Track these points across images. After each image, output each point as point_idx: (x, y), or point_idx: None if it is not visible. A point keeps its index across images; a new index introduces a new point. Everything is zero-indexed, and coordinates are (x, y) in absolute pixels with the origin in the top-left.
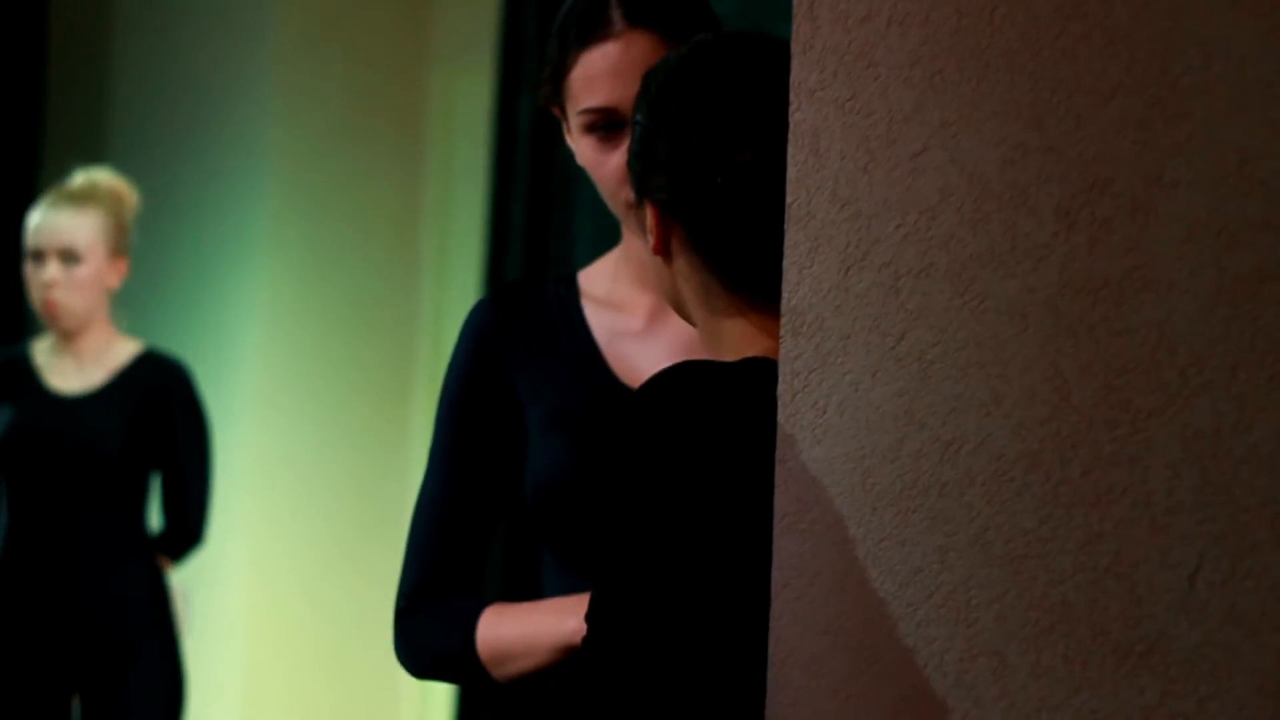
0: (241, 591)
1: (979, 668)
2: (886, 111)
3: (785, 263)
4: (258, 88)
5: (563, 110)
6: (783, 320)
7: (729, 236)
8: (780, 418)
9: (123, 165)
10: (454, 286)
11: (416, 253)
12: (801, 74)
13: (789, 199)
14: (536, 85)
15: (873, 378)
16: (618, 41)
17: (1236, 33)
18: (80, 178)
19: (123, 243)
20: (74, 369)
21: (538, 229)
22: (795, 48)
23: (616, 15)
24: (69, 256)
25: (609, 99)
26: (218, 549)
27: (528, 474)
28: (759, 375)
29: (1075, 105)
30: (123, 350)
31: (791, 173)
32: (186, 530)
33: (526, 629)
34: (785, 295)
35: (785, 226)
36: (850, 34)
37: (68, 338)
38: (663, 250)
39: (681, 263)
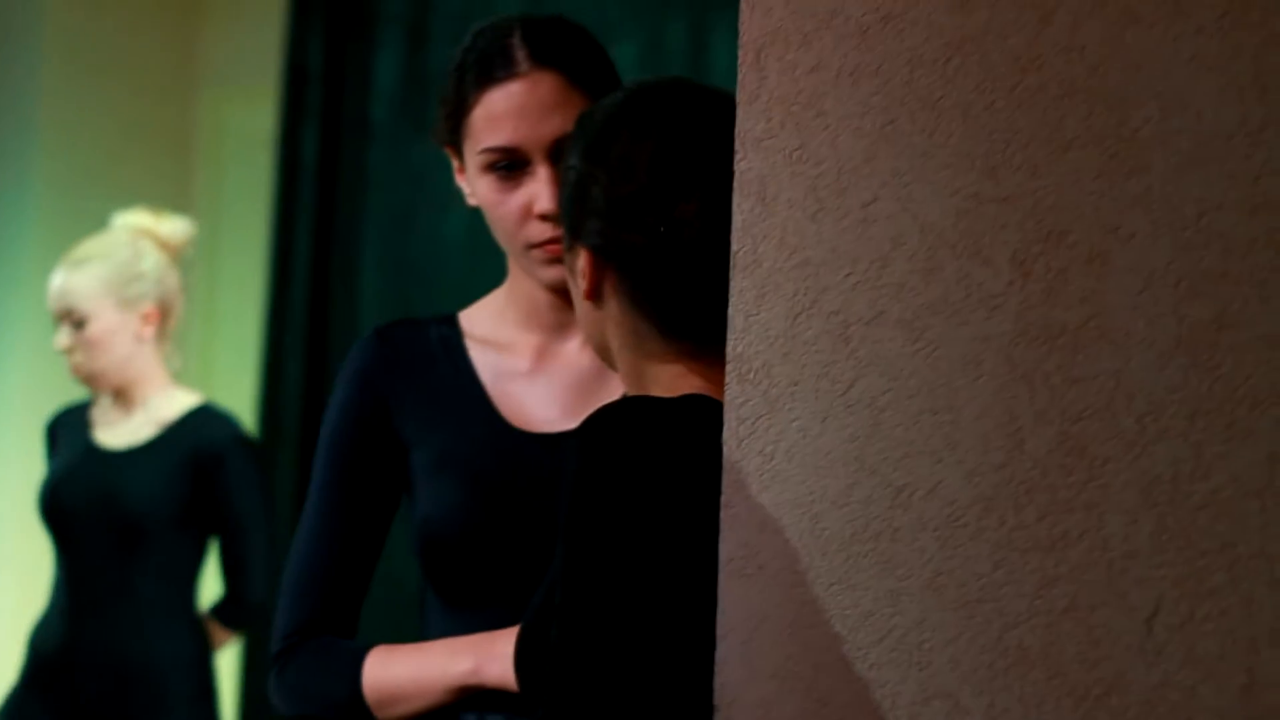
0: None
1: (932, 710)
2: (836, 161)
3: (731, 309)
4: (27, 116)
5: (458, 150)
6: (728, 366)
7: (666, 284)
8: (726, 463)
9: None
10: (224, 310)
11: (185, 279)
12: (747, 124)
13: (735, 246)
14: (320, 116)
15: (822, 424)
16: (523, 81)
17: (1194, 87)
18: (91, 241)
19: (139, 292)
20: (123, 423)
21: (322, 259)
22: (741, 97)
23: (521, 55)
24: (75, 319)
25: (512, 138)
26: None
27: (415, 516)
28: (701, 410)
29: (1031, 156)
30: (176, 403)
31: (737, 220)
32: (244, 599)
33: (418, 670)
34: (731, 342)
35: (731, 274)
36: (798, 84)
37: (117, 393)
38: (593, 295)
39: (613, 306)
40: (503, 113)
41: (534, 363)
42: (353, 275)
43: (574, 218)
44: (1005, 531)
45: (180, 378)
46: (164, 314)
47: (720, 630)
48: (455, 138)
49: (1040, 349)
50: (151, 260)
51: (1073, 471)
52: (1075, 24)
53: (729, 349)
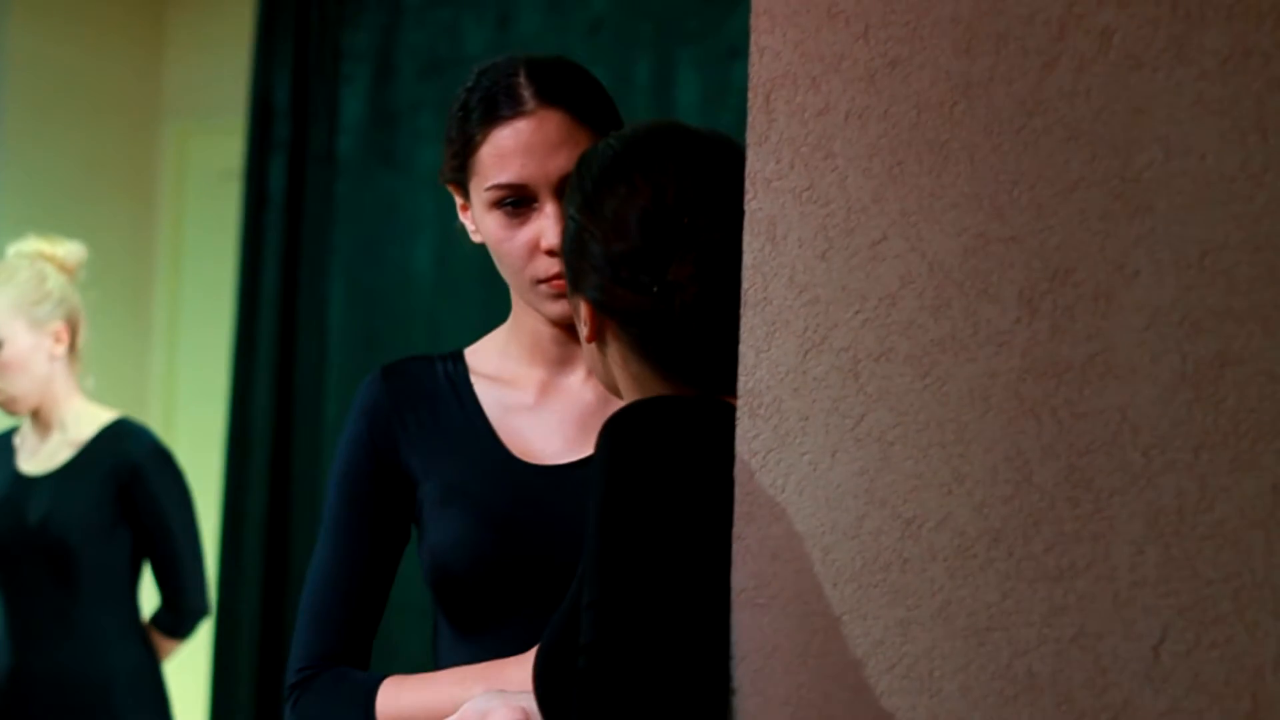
0: None
1: None
2: (845, 201)
3: (741, 346)
4: None
5: (462, 187)
6: (739, 401)
7: (666, 341)
8: (737, 495)
9: None
10: (189, 344)
11: (148, 311)
12: (757, 164)
13: (745, 285)
14: (289, 147)
15: (832, 457)
16: (530, 119)
17: (1197, 131)
18: None
19: (47, 311)
20: (42, 447)
21: (289, 291)
22: (751, 139)
23: (528, 94)
24: None
25: (519, 175)
26: None
27: (423, 548)
28: (719, 409)
29: (1037, 197)
30: (91, 422)
31: (748, 259)
32: (187, 605)
33: (429, 700)
34: (742, 378)
35: (741, 311)
36: (807, 126)
37: (34, 416)
38: (596, 338)
39: (614, 351)
40: (510, 150)
41: (538, 397)
42: (320, 307)
43: (574, 268)
44: (1014, 562)
45: (146, 412)
46: (73, 331)
47: (734, 659)
48: (460, 175)
49: (1047, 384)
50: (54, 280)
51: (1080, 503)
52: (1079, 69)
53: (740, 384)
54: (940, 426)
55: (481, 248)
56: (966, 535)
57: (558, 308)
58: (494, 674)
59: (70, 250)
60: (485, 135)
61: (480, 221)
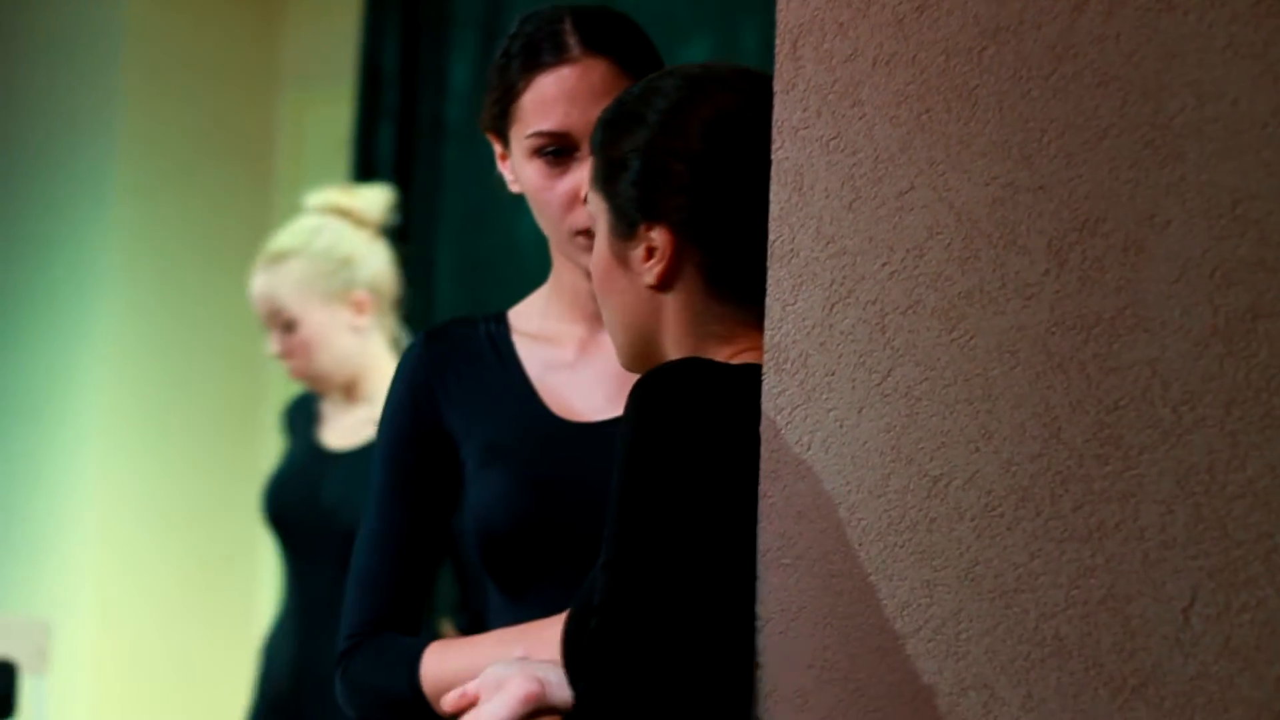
0: (92, 627)
1: (969, 701)
2: (872, 150)
3: (768, 299)
4: (107, 117)
5: (502, 136)
6: (765, 356)
7: (750, 255)
8: (763, 453)
9: None
10: None
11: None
12: (784, 112)
13: (771, 236)
14: (397, 115)
15: (858, 414)
16: (574, 67)
17: (1229, 75)
18: (284, 233)
19: (343, 281)
20: (345, 419)
21: (398, 259)
22: (777, 86)
23: (573, 41)
24: (282, 322)
25: (563, 123)
26: (66, 586)
27: (467, 509)
28: (753, 372)
29: (1066, 144)
30: None
31: (774, 210)
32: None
33: (472, 661)
34: (768, 332)
35: (768, 263)
36: (834, 73)
37: (345, 389)
38: (666, 278)
39: (679, 293)
40: (553, 97)
41: (578, 354)
42: (428, 275)
43: (647, 199)
44: (1041, 521)
45: (265, 384)
46: (376, 296)
47: (759, 620)
48: (501, 123)
49: (1076, 338)
50: (350, 242)
51: (1109, 461)
52: (1109, 12)
53: (766, 338)
54: (968, 382)
55: None
56: (994, 494)
57: None
58: (535, 634)
59: (369, 201)
60: (528, 82)
61: (519, 171)
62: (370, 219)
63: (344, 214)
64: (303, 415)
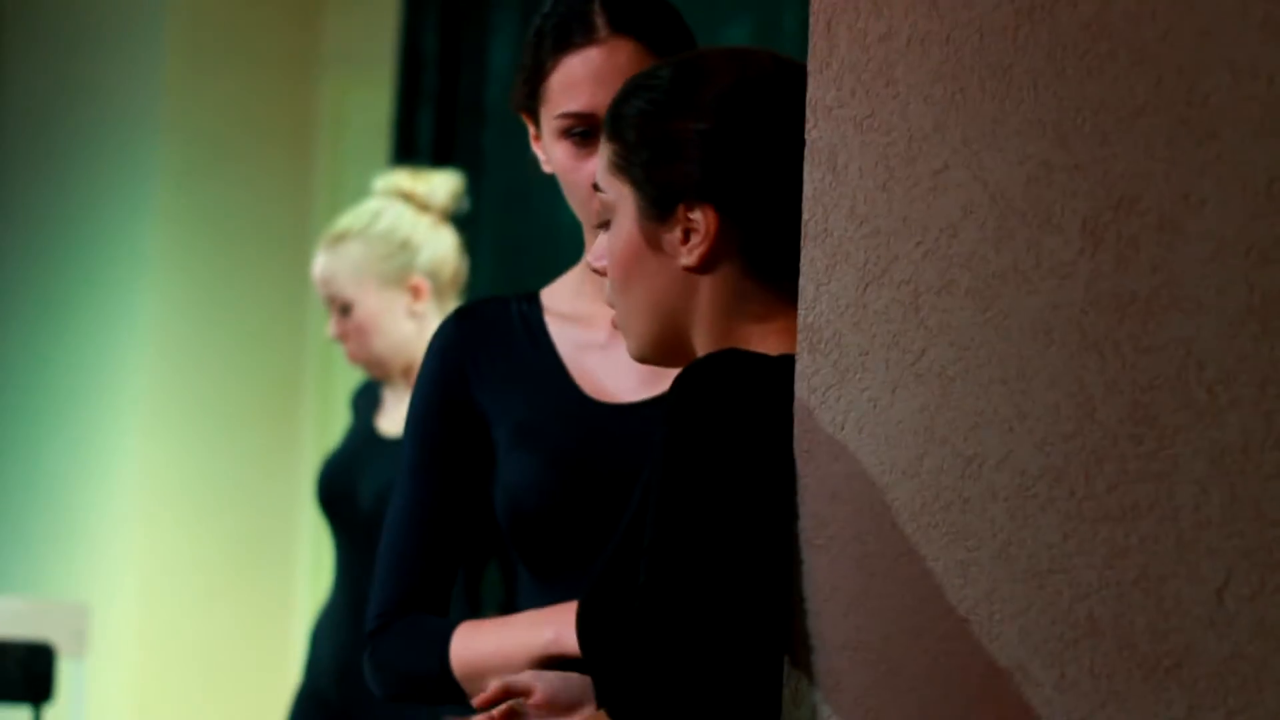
0: (132, 612)
1: (1002, 682)
2: (906, 129)
3: (801, 279)
4: (148, 101)
5: (534, 116)
6: (799, 336)
7: (788, 234)
8: (796, 434)
9: (10, 180)
10: None
11: (305, 266)
12: (818, 92)
13: (805, 216)
14: (436, 100)
15: (892, 394)
16: (601, 47)
17: (1265, 54)
18: (347, 215)
19: (400, 265)
20: (401, 406)
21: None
22: (811, 65)
23: (601, 21)
24: (340, 305)
25: (589, 104)
26: (106, 570)
27: (497, 490)
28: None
29: (1101, 123)
30: None
31: (808, 190)
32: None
33: (502, 642)
34: (802, 312)
35: (802, 243)
36: (869, 52)
37: (405, 374)
38: (707, 259)
39: (724, 270)
40: (581, 78)
41: (610, 334)
42: (468, 258)
43: (685, 178)
44: (1075, 502)
45: (302, 367)
46: (436, 283)
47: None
48: (532, 103)
49: (1111, 317)
50: (410, 226)
51: (1143, 441)
52: None
53: (800, 319)
54: (1002, 362)
55: None
56: (1028, 474)
57: None
58: (564, 615)
59: (434, 187)
60: (556, 62)
61: (549, 151)
62: (434, 204)
63: (407, 198)
64: (367, 400)
